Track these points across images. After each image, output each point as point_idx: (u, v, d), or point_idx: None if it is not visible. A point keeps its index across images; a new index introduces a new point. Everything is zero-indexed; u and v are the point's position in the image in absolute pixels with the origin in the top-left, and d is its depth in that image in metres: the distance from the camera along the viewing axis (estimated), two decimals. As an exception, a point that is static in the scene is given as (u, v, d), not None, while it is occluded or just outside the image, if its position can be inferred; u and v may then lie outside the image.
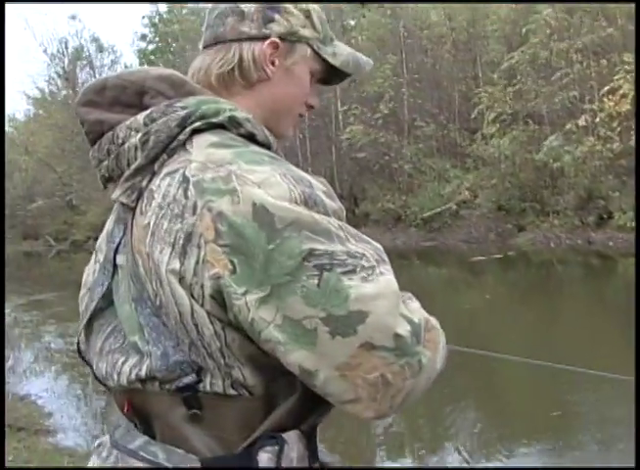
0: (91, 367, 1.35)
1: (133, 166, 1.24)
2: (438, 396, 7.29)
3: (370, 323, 1.08)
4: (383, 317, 1.09)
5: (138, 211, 1.24)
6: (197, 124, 1.24)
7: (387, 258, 1.18)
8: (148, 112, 1.26)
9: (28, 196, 50.61)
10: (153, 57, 47.89)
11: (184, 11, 47.30)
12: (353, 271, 1.10)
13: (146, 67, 1.38)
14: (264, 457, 1.16)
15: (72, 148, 46.72)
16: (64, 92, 50.67)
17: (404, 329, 1.11)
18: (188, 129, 1.23)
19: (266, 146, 1.30)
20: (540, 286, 15.69)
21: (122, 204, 1.29)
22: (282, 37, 1.37)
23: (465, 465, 5.65)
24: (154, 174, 1.24)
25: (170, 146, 1.24)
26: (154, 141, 1.23)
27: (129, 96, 1.30)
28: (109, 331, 1.30)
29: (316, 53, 1.42)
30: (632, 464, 4.06)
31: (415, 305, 1.22)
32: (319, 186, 1.20)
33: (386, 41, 33.47)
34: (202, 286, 1.12)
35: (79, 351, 1.40)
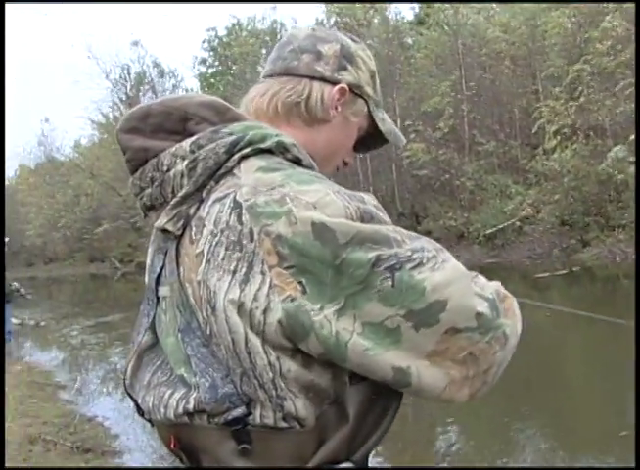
0: (135, 402, 1.33)
1: (180, 194, 1.22)
2: (503, 412, 7.21)
3: (451, 309, 1.11)
4: (461, 300, 1.12)
5: (187, 239, 1.22)
6: (245, 151, 1.23)
7: (442, 246, 1.21)
8: (194, 138, 1.24)
9: (94, 219, 51.57)
10: (213, 80, 48.51)
11: (243, 33, 47.88)
12: (421, 264, 1.12)
13: (189, 93, 1.39)
14: None
15: (137, 171, 47.57)
16: (127, 117, 51.62)
17: (483, 306, 1.14)
18: (236, 156, 1.22)
19: (311, 169, 1.30)
20: (606, 302, 15.36)
21: (164, 231, 1.26)
22: (350, 87, 1.41)
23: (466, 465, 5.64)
24: (201, 202, 1.22)
25: (218, 173, 1.22)
26: (201, 168, 1.22)
27: (173, 123, 1.28)
28: (157, 364, 1.29)
29: (370, 113, 1.47)
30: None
31: (483, 280, 1.24)
32: (370, 200, 1.19)
33: (444, 58, 33.37)
34: (264, 312, 1.10)
35: (125, 385, 1.37)
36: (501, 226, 26.82)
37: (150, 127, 1.29)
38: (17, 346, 12.40)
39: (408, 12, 41.99)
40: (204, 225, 1.19)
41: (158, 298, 1.29)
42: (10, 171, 72.53)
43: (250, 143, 1.23)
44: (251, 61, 45.60)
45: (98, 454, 6.58)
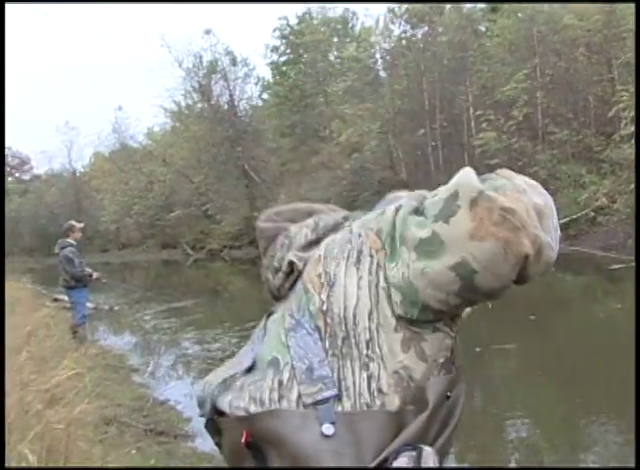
0: (208, 407, 1.40)
1: (307, 240, 1.53)
2: (575, 407, 7.10)
3: (460, 191, 1.26)
4: (462, 180, 1.30)
5: (308, 265, 1.46)
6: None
7: None
8: (316, 216, 1.60)
9: (167, 206, 52.30)
10: (285, 68, 48.64)
11: (315, 22, 47.85)
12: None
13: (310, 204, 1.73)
14: (402, 461, 1.17)
15: (208, 159, 48.07)
16: (199, 105, 52.09)
17: (482, 177, 1.36)
18: (351, 219, 1.54)
19: None
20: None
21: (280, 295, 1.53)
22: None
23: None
24: None
25: (338, 227, 1.53)
26: (323, 226, 1.55)
27: (301, 216, 1.62)
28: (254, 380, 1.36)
29: None
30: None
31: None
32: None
33: (518, 46, 32.82)
34: (376, 285, 1.31)
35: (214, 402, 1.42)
36: (574, 216, 26.29)
37: (282, 218, 1.63)
38: (91, 329, 12.63)
39: (481, -2, 41.43)
40: (320, 246, 1.48)
41: (265, 329, 1.48)
42: (85, 159, 74.09)
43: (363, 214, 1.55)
44: (322, 49, 45.65)
45: (170, 437, 6.68)
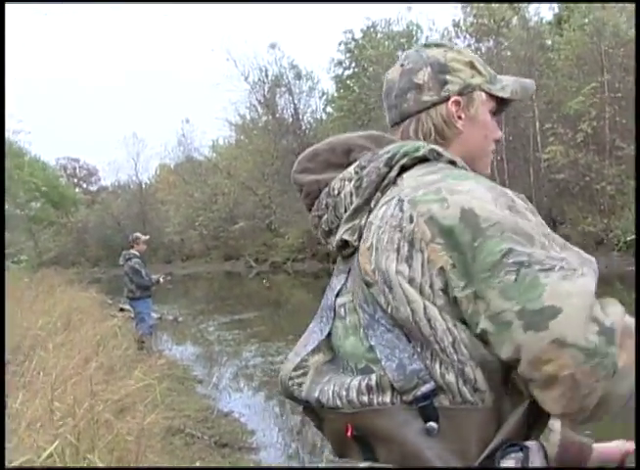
0: (299, 400, 1.40)
1: (352, 207, 1.40)
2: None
3: (562, 320, 1.11)
4: (575, 315, 1.11)
5: (361, 244, 1.36)
6: (403, 161, 1.39)
7: (595, 268, 1.24)
8: (357, 163, 1.43)
9: (230, 218, 52.64)
10: (349, 82, 48.70)
11: (379, 36, 47.87)
12: (551, 269, 1.15)
13: (348, 133, 1.55)
14: (509, 464, 1.16)
15: (272, 172, 48.28)
16: (264, 118, 52.39)
17: (595, 329, 1.11)
18: (396, 167, 1.38)
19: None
20: None
21: (342, 248, 1.44)
22: (460, 93, 1.52)
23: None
24: (370, 212, 1.38)
25: (382, 184, 1.38)
26: (366, 182, 1.39)
27: (338, 156, 1.48)
28: (340, 372, 1.37)
29: (489, 94, 1.56)
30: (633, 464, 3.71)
31: (615, 309, 1.20)
32: (520, 203, 1.29)
33: (584, 60, 32.38)
34: (431, 284, 1.23)
35: (287, 388, 1.43)
36: (643, 233, 25.78)
37: (319, 165, 1.49)
38: (155, 339, 12.80)
39: (547, 12, 41.04)
40: (372, 224, 1.35)
41: (334, 313, 1.42)
42: (151, 171, 75.02)
43: (405, 154, 1.40)
44: (386, 63, 45.61)
45: (235, 449, 6.73)
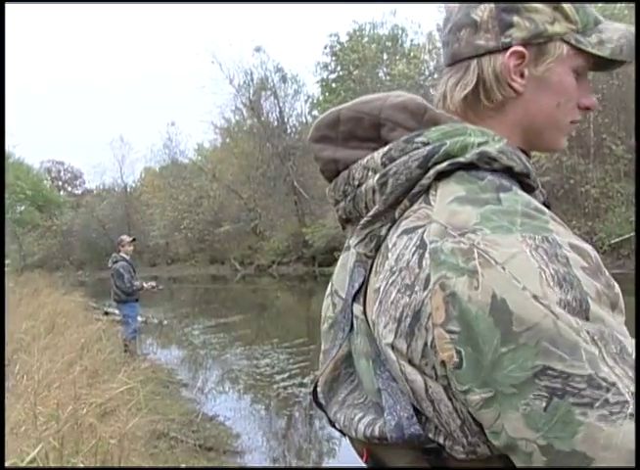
0: (326, 413, 1.28)
1: (371, 213, 1.11)
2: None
3: None
4: None
5: (375, 266, 1.12)
6: (441, 166, 1.07)
7: None
8: (386, 149, 1.11)
9: (216, 221, 52.68)
10: (334, 85, 48.77)
11: (365, 39, 47.95)
12: (589, 405, 0.91)
13: (383, 93, 1.20)
14: None
15: (257, 175, 48.35)
16: (249, 121, 52.38)
17: None
18: (432, 172, 1.07)
19: (525, 175, 1.13)
20: None
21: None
22: (527, 42, 1.14)
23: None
24: (394, 222, 1.10)
25: (412, 191, 1.08)
26: (392, 185, 1.08)
27: (365, 129, 1.16)
28: (355, 384, 1.23)
29: (575, 48, 1.17)
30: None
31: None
32: (578, 261, 0.97)
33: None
34: (433, 367, 0.99)
35: (315, 394, 1.29)
36: (627, 236, 25.93)
37: (341, 135, 1.18)
38: (140, 343, 12.76)
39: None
40: (387, 258, 1.08)
41: (352, 313, 1.20)
42: (136, 174, 74.95)
43: (446, 155, 1.08)
44: (371, 66, 45.64)
45: (220, 453, 6.71)
